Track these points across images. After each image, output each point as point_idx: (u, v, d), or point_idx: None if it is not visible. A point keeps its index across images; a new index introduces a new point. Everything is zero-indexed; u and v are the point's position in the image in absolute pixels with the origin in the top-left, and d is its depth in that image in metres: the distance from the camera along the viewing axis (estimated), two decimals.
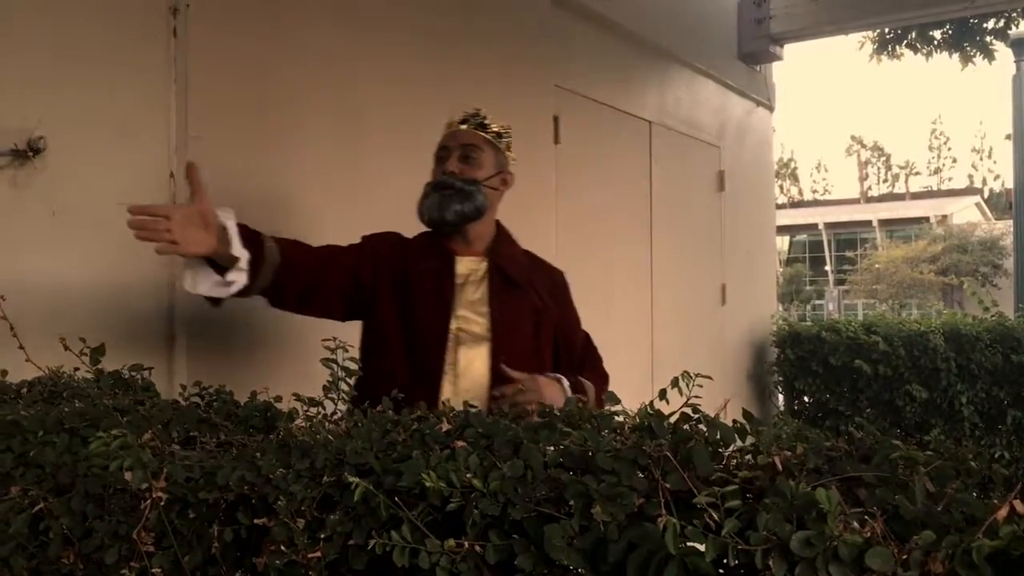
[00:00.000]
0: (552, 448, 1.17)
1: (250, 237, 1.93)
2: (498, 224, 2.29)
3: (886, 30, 7.17)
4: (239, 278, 1.88)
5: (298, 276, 2.04)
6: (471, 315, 2.14)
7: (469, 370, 2.10)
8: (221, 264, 1.86)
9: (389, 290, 2.15)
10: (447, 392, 2.06)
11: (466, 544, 1.05)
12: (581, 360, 2.33)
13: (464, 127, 2.22)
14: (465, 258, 2.19)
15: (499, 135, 2.25)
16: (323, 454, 1.24)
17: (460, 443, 1.21)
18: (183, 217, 1.76)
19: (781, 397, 6.53)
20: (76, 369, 2.03)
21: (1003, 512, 0.84)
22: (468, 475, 1.11)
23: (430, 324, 2.11)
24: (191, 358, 2.47)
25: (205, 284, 1.87)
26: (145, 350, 2.32)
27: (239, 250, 1.87)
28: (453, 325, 2.12)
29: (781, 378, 6.33)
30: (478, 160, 2.18)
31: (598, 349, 2.43)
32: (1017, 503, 0.85)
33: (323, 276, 2.11)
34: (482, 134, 2.21)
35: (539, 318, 2.21)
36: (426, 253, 2.20)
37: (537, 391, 2.02)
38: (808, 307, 29.91)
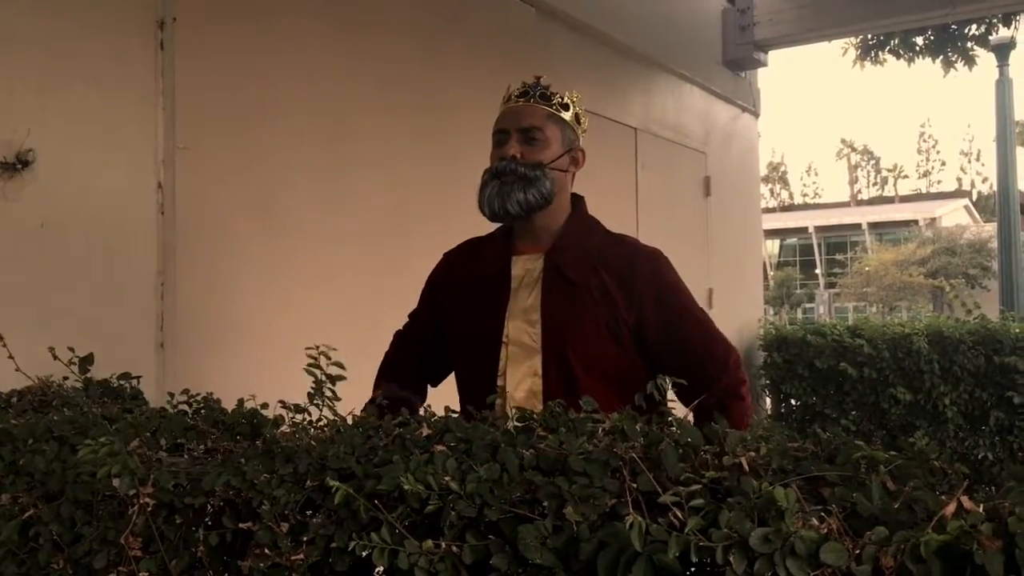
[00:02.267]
0: (528, 451, 1.21)
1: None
2: (574, 208, 2.06)
3: (869, 36, 7.25)
4: None
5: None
6: (521, 324, 1.91)
7: (519, 387, 1.89)
8: None
9: (453, 312, 2.04)
10: (500, 409, 1.82)
11: (443, 545, 1.09)
12: (700, 375, 1.83)
13: (522, 102, 1.97)
14: (523, 257, 1.97)
15: (565, 106, 1.99)
16: (306, 459, 1.27)
17: (439, 447, 1.24)
18: None
19: (768, 400, 6.59)
20: (65, 378, 2.06)
21: (951, 508, 0.88)
22: (446, 478, 1.14)
23: (480, 337, 1.94)
24: (179, 366, 2.50)
25: None
26: (134, 359, 2.34)
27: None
28: (504, 337, 1.91)
29: (768, 381, 6.38)
30: (542, 140, 1.93)
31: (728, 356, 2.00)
32: (965, 499, 0.89)
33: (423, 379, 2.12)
34: (545, 108, 1.95)
35: (608, 320, 1.90)
36: (485, 256, 2.03)
37: None
38: (799, 310, 30.03)
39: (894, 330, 5.91)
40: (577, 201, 2.07)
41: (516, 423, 1.34)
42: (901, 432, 5.70)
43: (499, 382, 1.89)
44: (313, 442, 1.32)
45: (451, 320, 2.04)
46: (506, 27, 4.03)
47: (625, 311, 1.91)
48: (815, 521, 0.94)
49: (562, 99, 1.99)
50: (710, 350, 1.99)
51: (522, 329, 1.91)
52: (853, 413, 5.93)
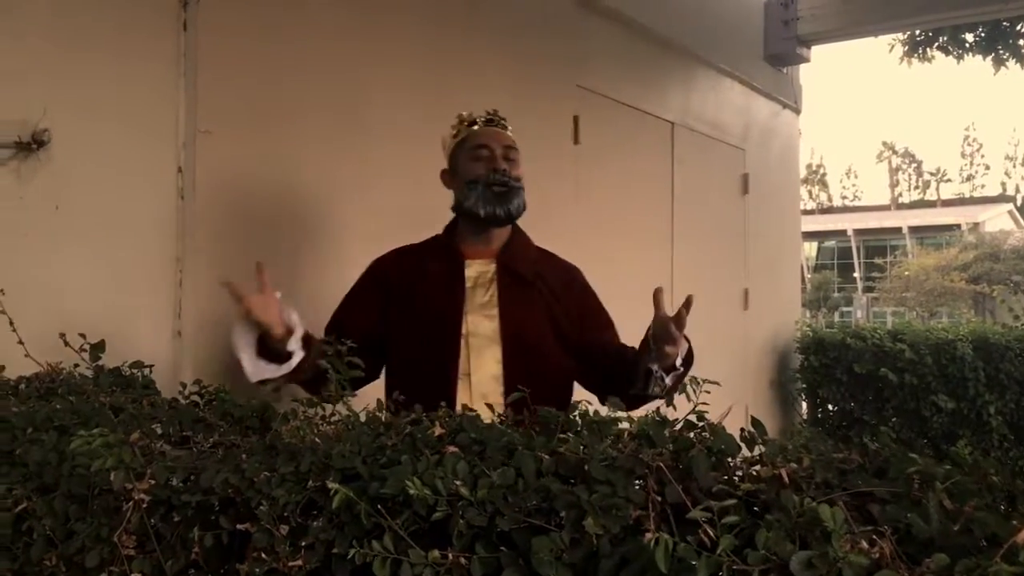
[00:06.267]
0: (547, 456, 1.11)
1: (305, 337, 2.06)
2: (514, 223, 2.28)
3: (916, 32, 7.04)
4: (296, 358, 2.01)
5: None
6: (481, 318, 2.13)
7: (482, 374, 2.10)
8: (275, 352, 2.00)
9: (403, 309, 2.18)
10: (463, 397, 2.06)
11: (451, 556, 1.00)
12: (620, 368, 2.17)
13: (493, 127, 2.24)
14: (475, 261, 2.19)
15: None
16: (309, 457, 1.18)
17: (452, 448, 1.15)
18: (260, 297, 1.98)
19: (804, 405, 6.42)
20: (76, 365, 2.00)
21: None
22: (456, 482, 1.05)
23: (441, 330, 2.12)
24: (196, 355, 2.43)
25: (266, 370, 2.01)
26: (150, 347, 2.28)
27: (296, 344, 2.02)
28: (464, 330, 2.12)
29: (804, 385, 6.21)
30: (517, 160, 2.21)
31: None
32: None
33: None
34: (511, 135, 2.25)
35: (552, 314, 2.20)
36: (436, 258, 2.21)
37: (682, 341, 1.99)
38: (836, 314, 29.60)
39: (937, 335, 5.72)
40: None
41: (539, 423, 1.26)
42: (943, 441, 5.51)
43: (462, 369, 2.09)
44: (317, 439, 1.23)
45: (401, 321, 2.17)
46: (540, 14, 3.93)
47: (568, 308, 2.23)
48: (865, 544, 0.83)
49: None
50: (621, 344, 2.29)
51: (481, 323, 2.13)
52: (893, 420, 5.74)
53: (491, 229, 2.19)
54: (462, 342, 2.11)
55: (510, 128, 2.27)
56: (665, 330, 1.93)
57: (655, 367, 1.99)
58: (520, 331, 2.14)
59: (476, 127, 2.24)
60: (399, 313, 2.18)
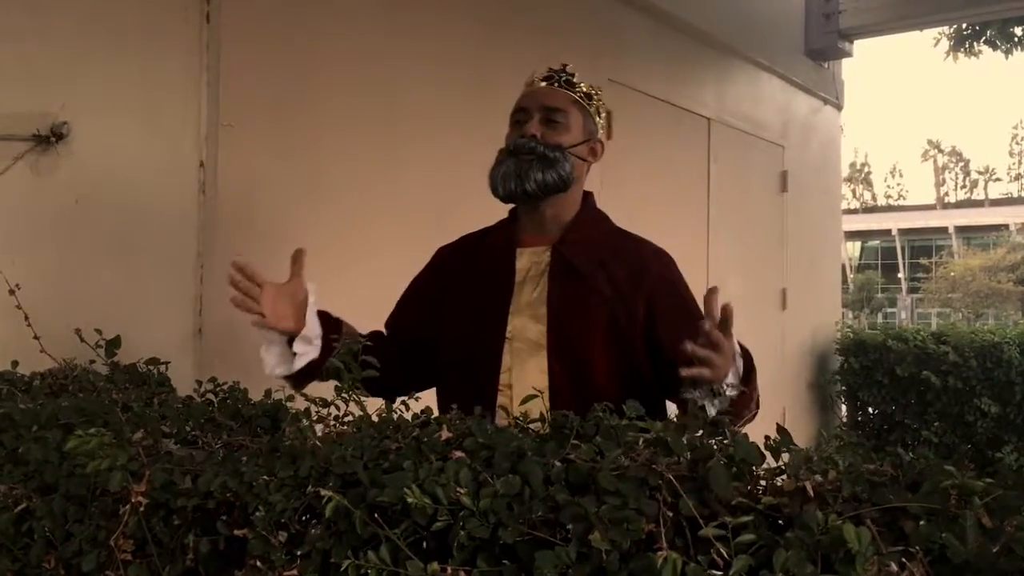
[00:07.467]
0: (557, 463, 1.05)
1: (330, 319, 1.87)
2: (585, 200, 1.96)
3: (963, 26, 6.85)
4: (307, 351, 1.79)
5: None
6: (527, 320, 1.82)
7: (525, 385, 1.76)
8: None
9: (451, 305, 1.92)
10: (507, 408, 1.70)
11: (450, 569, 0.94)
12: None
13: (546, 85, 1.90)
14: (528, 249, 1.88)
15: (588, 96, 1.91)
16: (309, 461, 1.13)
17: (458, 453, 1.09)
18: (275, 290, 1.76)
19: (844, 408, 6.27)
20: (91, 362, 1.98)
21: None
22: (459, 490, 0.99)
23: (481, 332, 1.84)
24: (218, 352, 2.40)
25: (274, 360, 1.82)
26: (171, 344, 2.26)
27: (312, 321, 1.81)
28: (507, 332, 1.82)
29: (844, 388, 6.07)
30: (564, 123, 1.85)
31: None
32: None
33: (406, 365, 1.90)
34: (569, 94, 1.88)
35: (612, 315, 1.81)
36: (490, 246, 1.94)
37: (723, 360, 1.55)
38: (879, 315, 29.16)
39: (983, 338, 5.56)
40: (587, 195, 1.98)
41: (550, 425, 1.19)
42: (987, 447, 5.34)
43: (503, 379, 1.79)
44: (318, 442, 1.18)
45: (446, 319, 1.91)
46: (574, 8, 3.86)
47: (634, 306, 1.83)
48: (894, 566, 0.76)
49: (586, 89, 1.92)
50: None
51: (527, 325, 1.81)
52: (936, 425, 5.59)
53: (543, 209, 1.85)
54: (505, 347, 1.81)
55: (582, 84, 1.91)
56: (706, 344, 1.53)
57: (696, 394, 1.61)
58: (569, 337, 1.80)
59: (531, 87, 1.93)
60: (447, 309, 1.92)
